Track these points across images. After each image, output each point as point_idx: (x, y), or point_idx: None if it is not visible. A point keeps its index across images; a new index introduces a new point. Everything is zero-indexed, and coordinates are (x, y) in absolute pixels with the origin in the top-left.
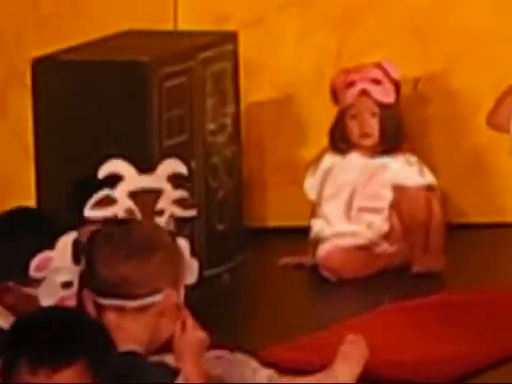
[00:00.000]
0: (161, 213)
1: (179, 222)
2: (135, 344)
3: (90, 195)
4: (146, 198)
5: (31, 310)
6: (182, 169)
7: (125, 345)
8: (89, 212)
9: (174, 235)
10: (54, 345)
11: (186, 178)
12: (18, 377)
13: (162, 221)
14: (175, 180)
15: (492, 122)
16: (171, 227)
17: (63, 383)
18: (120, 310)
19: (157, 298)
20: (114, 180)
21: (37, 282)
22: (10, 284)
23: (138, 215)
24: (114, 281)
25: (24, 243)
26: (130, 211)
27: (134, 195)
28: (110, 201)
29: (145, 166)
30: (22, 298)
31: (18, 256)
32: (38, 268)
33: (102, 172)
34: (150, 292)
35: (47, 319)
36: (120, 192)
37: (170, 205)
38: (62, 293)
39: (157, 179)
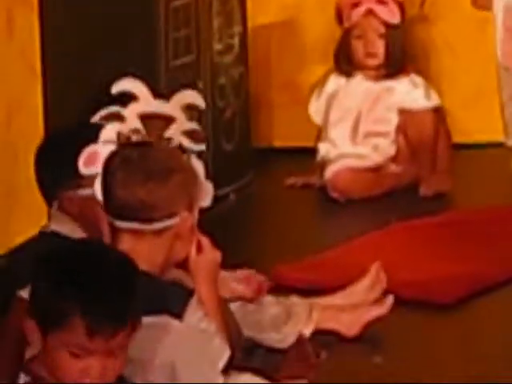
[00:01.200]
0: (168, 141)
1: (187, 153)
2: (149, 266)
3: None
4: (155, 123)
5: (97, 214)
6: (200, 101)
7: (140, 266)
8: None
9: (189, 157)
10: (110, 308)
11: (202, 111)
12: (69, 330)
13: None
14: (189, 112)
15: (477, 4)
16: None
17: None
18: (136, 232)
19: (173, 221)
20: (126, 99)
21: (91, 180)
22: (69, 193)
23: (145, 138)
24: (132, 204)
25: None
26: (136, 132)
27: (144, 118)
28: (118, 117)
29: (152, 86)
30: (83, 202)
31: (66, 162)
32: (87, 163)
33: (116, 88)
34: (167, 215)
35: (90, 265)
36: (130, 111)
37: (179, 135)
38: None
39: (171, 106)
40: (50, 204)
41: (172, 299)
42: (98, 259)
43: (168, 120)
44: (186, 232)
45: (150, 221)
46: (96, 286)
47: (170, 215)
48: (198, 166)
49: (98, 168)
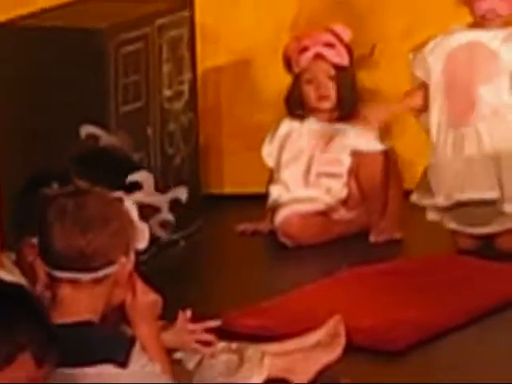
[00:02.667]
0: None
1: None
2: (90, 315)
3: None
4: (145, 210)
5: None
6: (184, 196)
7: (80, 316)
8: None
9: (122, 201)
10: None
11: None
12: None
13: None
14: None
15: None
16: None
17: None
18: (75, 282)
19: (112, 268)
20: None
21: None
22: (34, 241)
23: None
24: (71, 254)
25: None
26: None
27: (139, 207)
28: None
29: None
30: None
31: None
32: None
33: (129, 178)
34: (106, 263)
35: None
36: (132, 200)
37: (157, 226)
38: None
39: (162, 199)
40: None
41: (115, 348)
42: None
43: (155, 208)
44: (124, 278)
45: (90, 270)
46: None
47: (109, 263)
48: (132, 208)
49: None
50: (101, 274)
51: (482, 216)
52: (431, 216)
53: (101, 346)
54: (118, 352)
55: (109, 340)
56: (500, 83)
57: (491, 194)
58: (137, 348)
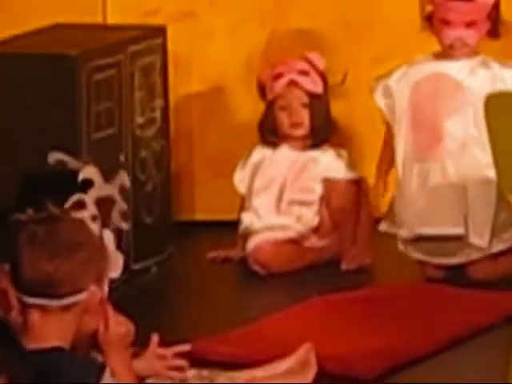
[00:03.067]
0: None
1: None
2: (60, 341)
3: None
4: (104, 205)
5: None
6: (127, 181)
7: (49, 342)
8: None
9: (101, 228)
10: None
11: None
12: None
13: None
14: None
15: None
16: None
17: None
18: (44, 308)
19: (81, 296)
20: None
21: None
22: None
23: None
24: (38, 280)
25: None
26: (95, 218)
27: (97, 202)
28: (81, 205)
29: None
30: None
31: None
32: None
33: (81, 176)
34: (74, 291)
35: None
36: (90, 197)
37: (118, 217)
38: None
39: (112, 188)
40: None
41: (86, 373)
42: None
43: (111, 201)
44: (94, 306)
45: (57, 297)
46: None
47: (78, 290)
48: (108, 236)
49: None
50: (68, 301)
51: (447, 248)
52: (399, 245)
53: (71, 372)
54: (89, 377)
55: (79, 365)
56: (466, 115)
57: (456, 230)
58: (107, 374)
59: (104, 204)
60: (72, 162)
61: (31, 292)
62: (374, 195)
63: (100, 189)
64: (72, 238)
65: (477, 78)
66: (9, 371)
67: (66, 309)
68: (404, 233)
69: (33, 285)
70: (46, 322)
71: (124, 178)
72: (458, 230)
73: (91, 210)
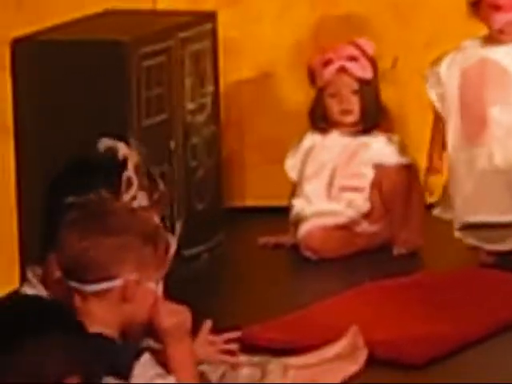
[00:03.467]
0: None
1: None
2: (104, 327)
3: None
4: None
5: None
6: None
7: (93, 327)
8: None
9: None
10: None
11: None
12: None
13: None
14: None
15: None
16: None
17: None
18: (81, 293)
19: (112, 283)
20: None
21: None
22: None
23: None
24: (68, 262)
25: None
26: (141, 187)
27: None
28: (130, 183)
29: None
30: None
31: None
32: None
33: (120, 153)
34: (104, 278)
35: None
36: (131, 172)
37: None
38: None
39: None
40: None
41: (118, 359)
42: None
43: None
44: (134, 296)
45: (87, 282)
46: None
47: (109, 278)
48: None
49: None
50: (98, 287)
51: (499, 234)
52: (455, 231)
53: (109, 358)
54: (120, 363)
55: (113, 352)
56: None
57: (503, 218)
58: (142, 361)
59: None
60: (122, 148)
61: (67, 275)
62: (426, 181)
63: (134, 158)
64: (109, 223)
65: None
66: (83, 371)
67: (100, 295)
68: (455, 220)
69: (66, 268)
70: (86, 307)
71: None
72: (506, 218)
73: (136, 183)
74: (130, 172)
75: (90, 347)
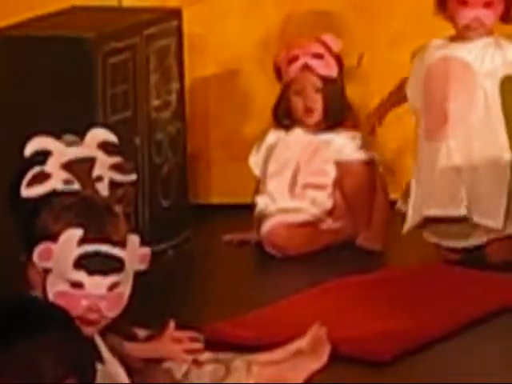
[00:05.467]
0: (99, 179)
1: (121, 187)
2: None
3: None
4: (81, 168)
5: None
6: (111, 137)
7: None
8: (26, 191)
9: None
10: None
11: (117, 146)
12: None
13: (103, 187)
14: (108, 148)
15: None
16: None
17: None
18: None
19: None
20: (42, 157)
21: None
22: None
23: (78, 185)
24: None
25: None
26: (68, 181)
27: (67, 167)
28: (44, 176)
29: None
30: None
31: None
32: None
33: (29, 150)
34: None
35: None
36: (51, 166)
37: (106, 170)
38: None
39: (87, 148)
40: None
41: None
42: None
43: (90, 161)
44: None
45: None
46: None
47: None
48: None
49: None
50: None
51: (459, 230)
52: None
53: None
54: None
55: None
56: (474, 98)
57: (458, 212)
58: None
59: (80, 166)
60: (47, 143)
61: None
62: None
63: (63, 154)
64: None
65: (487, 59)
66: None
67: None
68: (412, 214)
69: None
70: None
71: (101, 135)
72: (460, 211)
73: (59, 176)
74: (48, 167)
75: (85, 348)
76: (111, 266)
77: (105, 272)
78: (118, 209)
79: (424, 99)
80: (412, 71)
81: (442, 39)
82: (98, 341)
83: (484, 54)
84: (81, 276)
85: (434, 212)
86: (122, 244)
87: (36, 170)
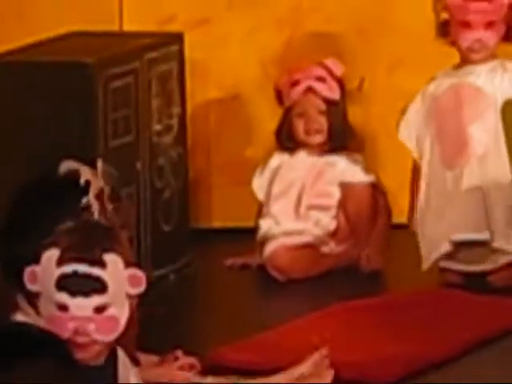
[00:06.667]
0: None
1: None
2: None
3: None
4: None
5: None
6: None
7: None
8: None
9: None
10: None
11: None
12: None
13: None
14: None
15: None
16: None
17: None
18: None
19: None
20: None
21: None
22: None
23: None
24: None
25: None
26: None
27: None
28: (90, 208)
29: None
30: None
31: None
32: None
33: (82, 178)
34: None
35: None
36: (92, 197)
37: (108, 202)
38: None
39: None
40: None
41: None
42: None
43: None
44: None
45: None
46: None
47: None
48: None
49: None
50: None
51: (473, 254)
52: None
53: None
54: None
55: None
56: (489, 119)
57: (480, 236)
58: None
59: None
60: (85, 171)
61: None
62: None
63: (96, 184)
64: None
65: (496, 81)
66: None
67: None
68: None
69: None
70: None
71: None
72: (483, 236)
73: (96, 207)
74: (90, 197)
75: (79, 376)
76: (92, 286)
77: (86, 293)
78: (122, 233)
79: (435, 129)
80: (410, 113)
81: (445, 70)
82: (123, 365)
83: (493, 76)
84: (64, 298)
85: (464, 236)
86: (103, 264)
87: (86, 201)
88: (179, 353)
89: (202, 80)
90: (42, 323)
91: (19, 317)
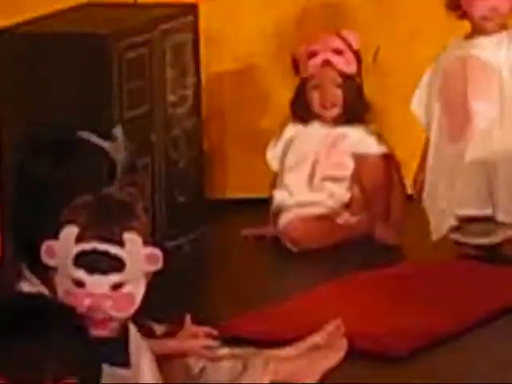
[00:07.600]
0: None
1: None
2: None
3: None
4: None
5: None
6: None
7: None
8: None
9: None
10: None
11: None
12: None
13: None
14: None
15: None
16: None
17: None
18: None
19: None
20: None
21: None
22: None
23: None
24: None
25: None
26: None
27: None
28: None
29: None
30: None
31: None
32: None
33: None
34: None
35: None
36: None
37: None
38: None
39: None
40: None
41: (116, 360)
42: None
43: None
44: None
45: None
46: None
47: None
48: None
49: None
50: None
51: (481, 228)
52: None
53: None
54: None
55: (109, 353)
56: (493, 94)
57: (487, 211)
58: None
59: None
60: (101, 143)
61: None
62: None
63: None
64: None
65: (502, 53)
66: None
67: None
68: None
69: None
70: None
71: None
72: (486, 211)
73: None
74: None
75: (89, 348)
76: (110, 264)
77: (104, 271)
78: (139, 205)
79: (443, 101)
80: (421, 84)
81: (455, 40)
82: (135, 341)
83: (499, 49)
84: (81, 274)
85: (467, 212)
86: (122, 243)
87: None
88: (188, 319)
89: (217, 50)
90: (46, 292)
91: (25, 287)
